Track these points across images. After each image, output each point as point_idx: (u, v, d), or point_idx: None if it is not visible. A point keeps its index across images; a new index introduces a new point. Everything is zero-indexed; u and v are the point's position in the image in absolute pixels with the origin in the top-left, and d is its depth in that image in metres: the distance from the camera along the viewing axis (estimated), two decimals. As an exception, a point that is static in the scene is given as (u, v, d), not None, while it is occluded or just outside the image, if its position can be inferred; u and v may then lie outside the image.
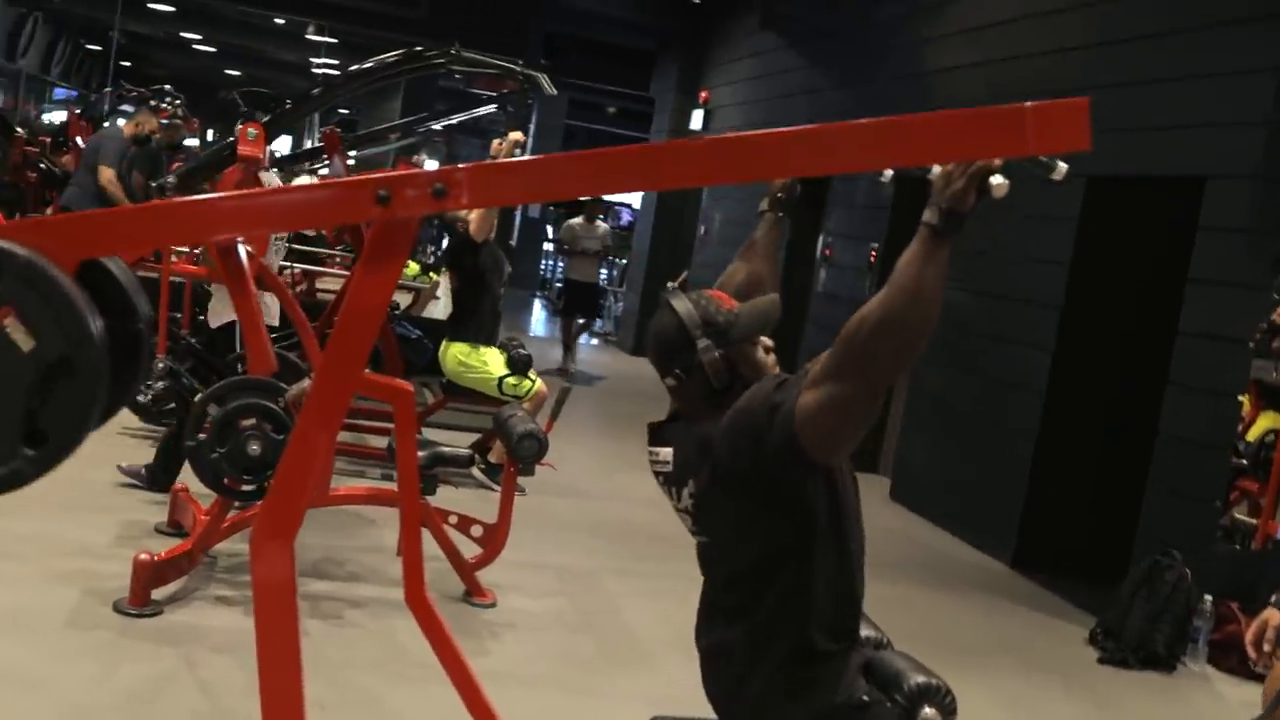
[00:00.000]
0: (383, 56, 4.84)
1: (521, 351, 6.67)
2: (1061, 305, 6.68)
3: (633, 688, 4.35)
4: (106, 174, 8.77)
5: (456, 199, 2.12)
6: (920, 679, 2.56)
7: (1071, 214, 6.67)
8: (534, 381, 6.58)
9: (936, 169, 2.12)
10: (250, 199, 2.08)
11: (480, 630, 4.63)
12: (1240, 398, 5.65)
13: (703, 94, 13.39)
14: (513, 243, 21.08)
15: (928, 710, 2.52)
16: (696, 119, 13.26)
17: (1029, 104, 1.82)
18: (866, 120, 1.93)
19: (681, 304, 2.52)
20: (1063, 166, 2.08)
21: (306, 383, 2.28)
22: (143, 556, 4.14)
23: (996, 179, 2.05)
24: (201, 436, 4.17)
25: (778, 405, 2.26)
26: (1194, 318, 5.79)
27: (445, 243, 6.76)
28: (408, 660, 4.24)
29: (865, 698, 2.46)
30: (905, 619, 5.61)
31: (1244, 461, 6.60)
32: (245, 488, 4.25)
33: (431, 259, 12.16)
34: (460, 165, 2.16)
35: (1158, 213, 6.47)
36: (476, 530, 4.98)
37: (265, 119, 4.20)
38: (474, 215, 6.19)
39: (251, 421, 4.12)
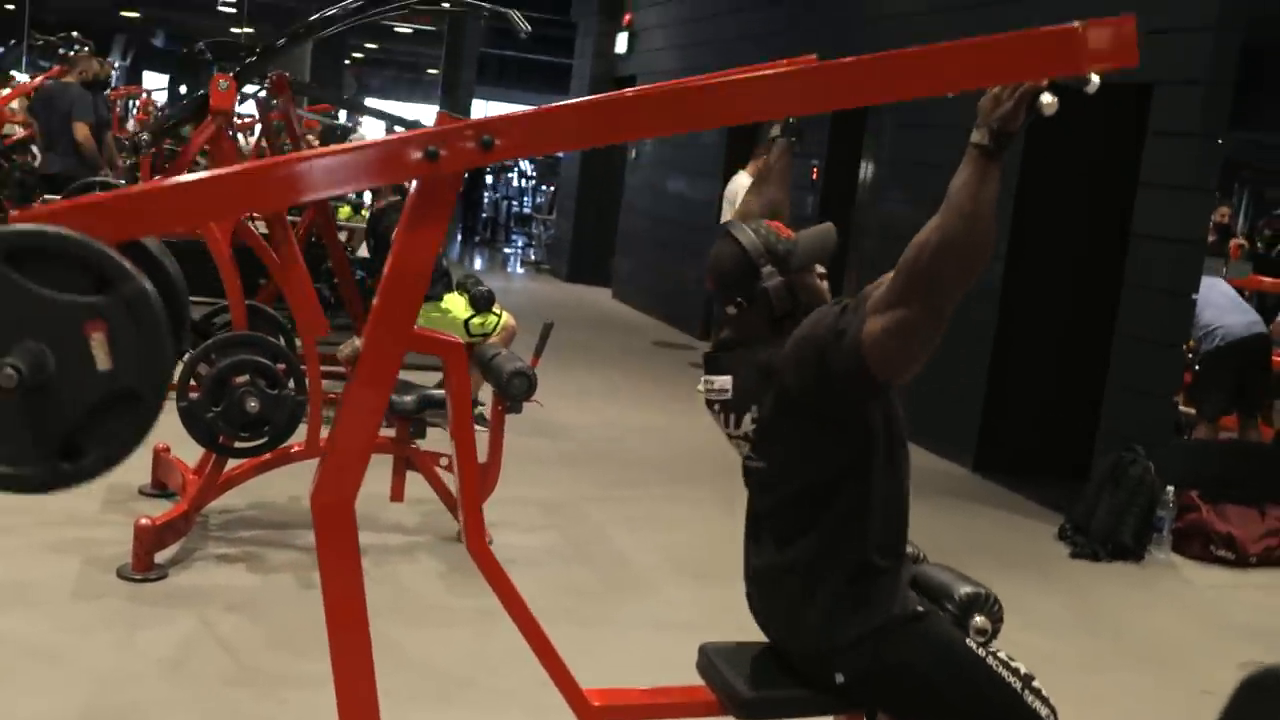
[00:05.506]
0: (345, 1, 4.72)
1: (481, 289, 6.64)
2: (1011, 211, 6.80)
3: (638, 614, 4.43)
4: (83, 130, 8.47)
5: (505, 150, 2.12)
6: (968, 589, 2.66)
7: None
8: (499, 316, 6.56)
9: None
10: (301, 164, 2.04)
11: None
12: (1193, 296, 5.81)
13: (626, 17, 13.27)
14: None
15: (978, 619, 2.62)
16: (621, 42, 13.15)
17: (1080, 24, 1.94)
18: (924, 48, 1.99)
19: (744, 234, 2.56)
20: (1095, 80, 2.13)
21: (358, 341, 2.27)
22: (144, 521, 4.11)
23: (1047, 97, 2.10)
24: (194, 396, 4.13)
25: (843, 331, 2.30)
26: (1146, 220, 5.94)
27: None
28: (419, 604, 4.28)
29: (920, 608, 2.55)
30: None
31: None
32: (243, 444, 4.22)
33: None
34: (505, 115, 2.14)
35: (1106, 118, 6.59)
36: (468, 471, 5.00)
37: (236, 70, 4.11)
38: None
39: (245, 378, 4.09)
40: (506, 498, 5.37)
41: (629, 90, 2.23)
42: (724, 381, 2.61)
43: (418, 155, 2.05)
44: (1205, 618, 5.10)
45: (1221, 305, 6.49)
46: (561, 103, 2.20)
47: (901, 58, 2.04)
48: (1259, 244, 10.44)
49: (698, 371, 7.90)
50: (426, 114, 26.63)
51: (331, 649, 2.43)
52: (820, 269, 2.61)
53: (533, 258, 17.23)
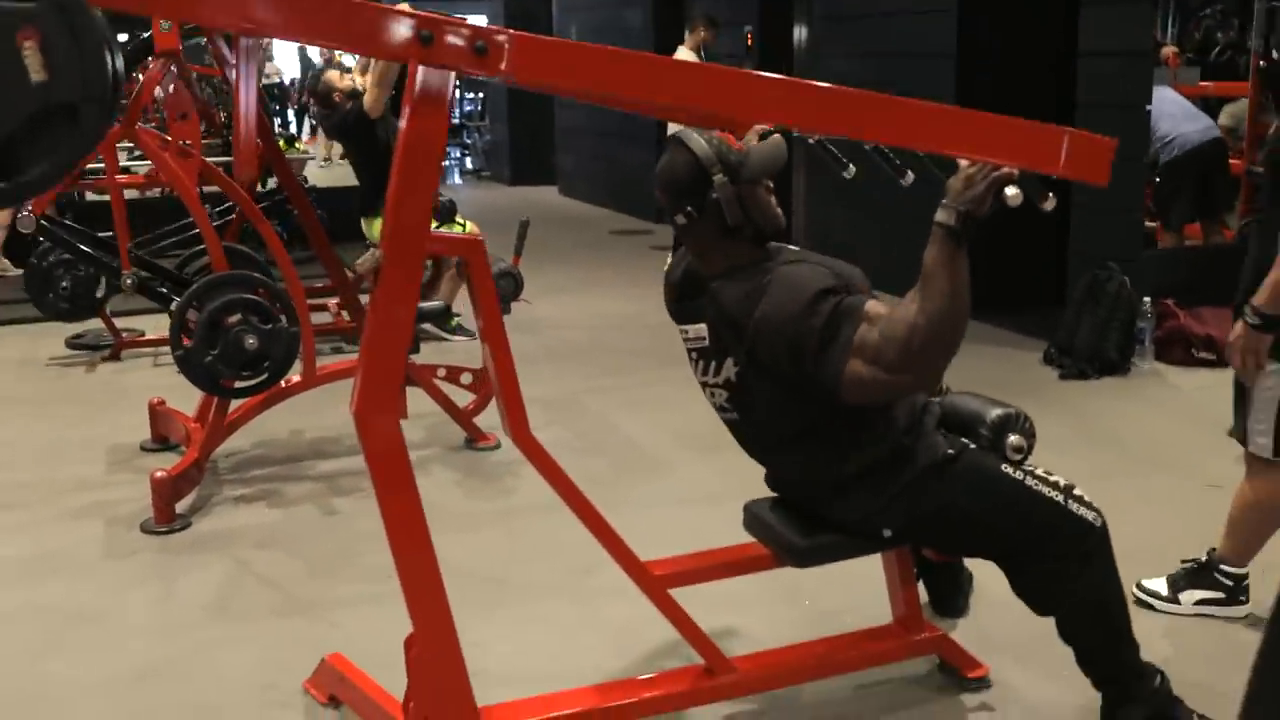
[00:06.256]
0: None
1: (443, 199, 6.58)
2: (955, 55, 6.80)
3: (658, 492, 4.50)
4: None
5: (495, 64, 2.10)
6: (999, 411, 2.72)
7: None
8: (464, 225, 6.52)
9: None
10: (301, 3, 1.98)
11: (498, 471, 4.71)
12: (1147, 108, 5.85)
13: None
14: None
15: (1012, 438, 2.69)
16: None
17: (1068, 129, 2.08)
18: (915, 102, 2.11)
19: (695, 142, 2.54)
20: (1052, 200, 2.22)
21: (376, 252, 2.28)
22: (159, 474, 4.10)
23: (1011, 190, 2.19)
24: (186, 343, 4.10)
25: (827, 345, 2.34)
26: (1091, 37, 5.95)
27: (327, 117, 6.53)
28: (442, 513, 4.29)
29: (950, 451, 2.61)
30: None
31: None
32: (243, 384, 4.20)
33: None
34: (510, 31, 2.11)
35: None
36: (466, 378, 5.02)
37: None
38: (370, 93, 5.98)
39: (238, 318, 4.06)
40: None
41: (658, 58, 2.23)
42: (698, 329, 2.62)
43: (410, 35, 2.02)
44: (1197, 418, 5.23)
45: (1175, 115, 6.55)
46: (579, 43, 2.17)
47: (900, 105, 2.16)
48: (1187, 50, 10.47)
49: (657, 255, 8.08)
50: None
51: (396, 560, 2.47)
52: (769, 184, 2.60)
53: (470, 166, 17.04)
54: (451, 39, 2.08)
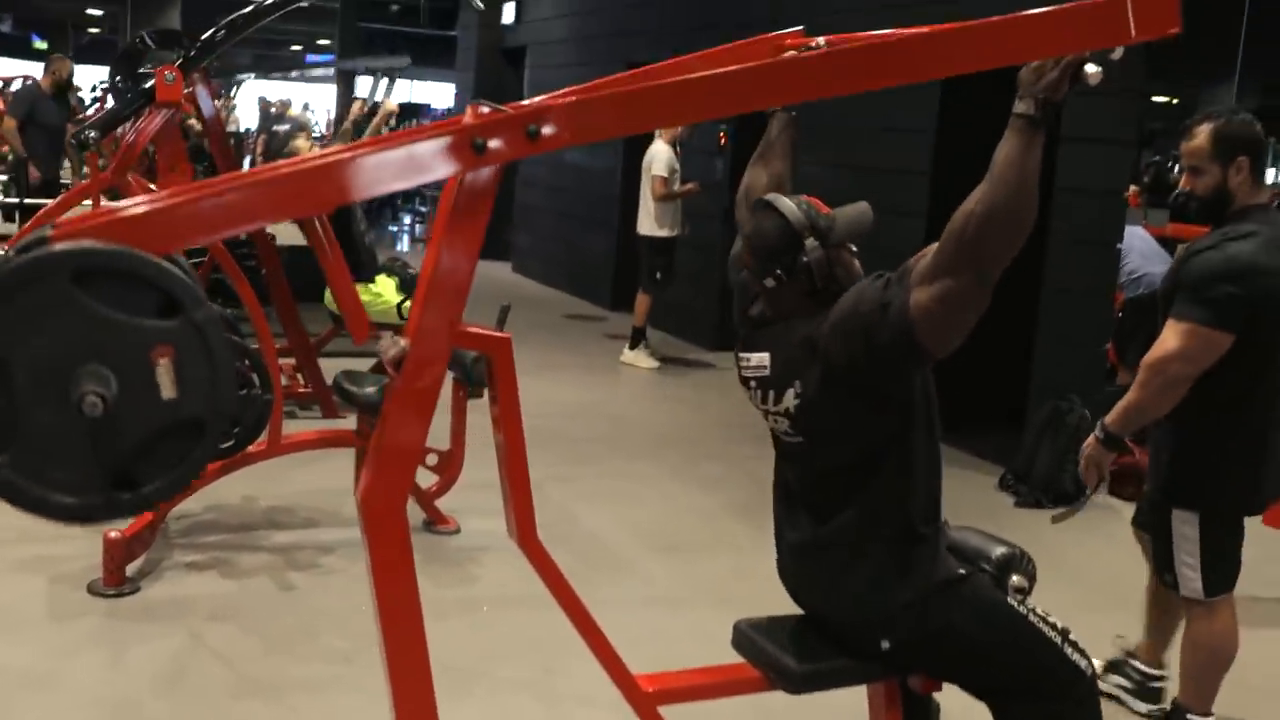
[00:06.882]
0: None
1: (410, 271, 6.53)
2: (930, 172, 6.93)
3: (620, 593, 4.43)
4: (9, 124, 9.25)
5: (546, 141, 2.10)
6: (1003, 550, 2.73)
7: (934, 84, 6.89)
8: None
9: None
10: (349, 165, 1.98)
11: (459, 558, 4.62)
12: (1118, 246, 5.99)
13: (511, -15, 13.11)
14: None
15: (1015, 578, 2.70)
16: (509, 12, 12.98)
17: None
18: (976, 22, 2.05)
19: (786, 206, 2.56)
20: (1119, 51, 2.20)
21: (403, 341, 2.24)
22: (113, 534, 3.97)
23: (1092, 67, 2.18)
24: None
25: (888, 305, 2.34)
26: (1068, 174, 6.09)
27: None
28: (403, 599, 4.21)
29: (962, 571, 2.61)
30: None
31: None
32: (212, 449, 4.09)
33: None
34: (553, 102, 2.12)
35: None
36: (432, 459, 4.93)
37: (179, 60, 3.95)
38: None
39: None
40: (466, 483, 5.32)
41: (681, 77, 2.23)
42: (761, 358, 2.62)
43: (465, 148, 2.03)
44: (1151, 556, 5.29)
45: (1145, 252, 6.70)
46: (610, 91, 2.17)
47: (954, 32, 2.14)
48: (1142, 191, 10.77)
49: (613, 344, 7.99)
50: (291, 91, 25.82)
51: (387, 657, 2.40)
52: (852, 246, 2.64)
53: (421, 234, 16.98)
54: (502, 138, 2.08)
